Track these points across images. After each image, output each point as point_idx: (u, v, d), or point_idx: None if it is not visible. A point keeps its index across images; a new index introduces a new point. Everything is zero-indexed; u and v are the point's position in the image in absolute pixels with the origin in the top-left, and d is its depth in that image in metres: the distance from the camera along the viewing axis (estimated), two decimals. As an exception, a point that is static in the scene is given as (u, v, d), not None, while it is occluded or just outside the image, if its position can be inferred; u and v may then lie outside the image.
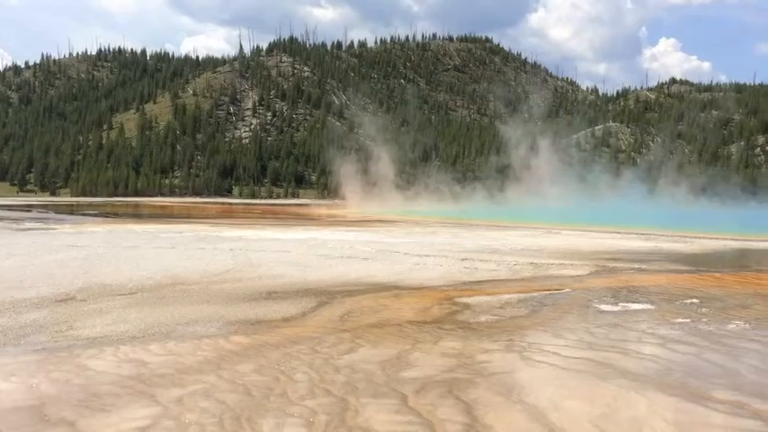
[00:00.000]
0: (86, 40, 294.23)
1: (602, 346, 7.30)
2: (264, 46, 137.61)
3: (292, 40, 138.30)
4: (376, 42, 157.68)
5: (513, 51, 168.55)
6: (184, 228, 25.42)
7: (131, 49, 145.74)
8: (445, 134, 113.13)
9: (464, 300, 10.13)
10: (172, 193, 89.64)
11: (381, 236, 22.93)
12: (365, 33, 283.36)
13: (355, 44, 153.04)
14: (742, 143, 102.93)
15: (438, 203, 62.05)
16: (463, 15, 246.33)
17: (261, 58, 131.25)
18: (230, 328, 7.93)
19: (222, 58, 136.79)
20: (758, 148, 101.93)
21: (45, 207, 51.46)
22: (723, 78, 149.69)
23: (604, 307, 9.73)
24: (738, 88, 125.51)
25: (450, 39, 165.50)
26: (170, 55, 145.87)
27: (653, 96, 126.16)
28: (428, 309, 9.40)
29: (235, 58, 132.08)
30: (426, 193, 71.48)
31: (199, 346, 7.05)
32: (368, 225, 30.74)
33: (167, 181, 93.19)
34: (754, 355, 6.98)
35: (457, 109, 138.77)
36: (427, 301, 9.93)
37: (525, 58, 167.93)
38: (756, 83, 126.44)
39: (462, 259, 15.46)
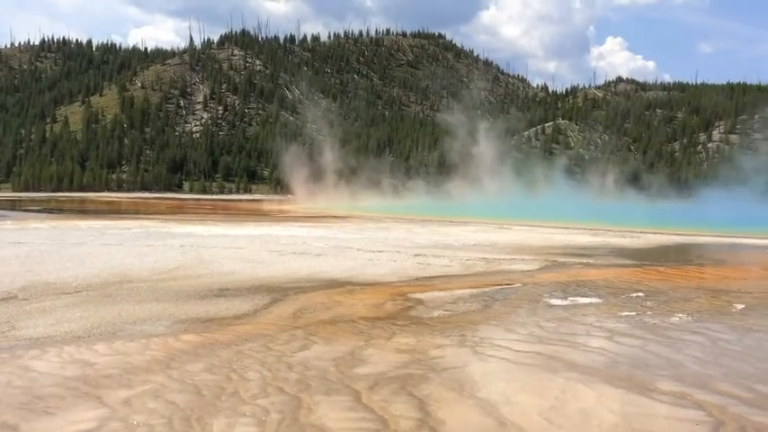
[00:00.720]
0: (29, 29, 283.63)
1: (551, 340, 7.44)
2: (216, 38, 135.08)
3: (244, 33, 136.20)
4: (329, 37, 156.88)
5: (465, 48, 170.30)
6: (132, 224, 24.80)
7: (76, 40, 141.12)
8: (398, 129, 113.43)
9: (417, 295, 10.18)
10: (119, 189, 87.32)
11: (334, 231, 22.85)
12: (318, 28, 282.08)
13: (308, 38, 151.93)
14: (685, 140, 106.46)
15: (392, 199, 62.24)
16: (416, 12, 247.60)
17: (212, 50, 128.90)
18: (180, 327, 7.78)
19: (172, 50, 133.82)
20: (700, 146, 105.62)
21: (-16, 202, 49.47)
22: (667, 77, 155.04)
23: (554, 301, 9.92)
24: (681, 87, 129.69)
25: (404, 34, 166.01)
26: (117, 46, 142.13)
27: (600, 94, 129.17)
28: (381, 305, 9.41)
29: (185, 51, 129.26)
30: (380, 188, 71.59)
31: (147, 345, 6.89)
32: (321, 221, 30.61)
33: (114, 176, 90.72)
34: (696, 347, 7.22)
35: (410, 104, 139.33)
36: (381, 297, 9.95)
37: (477, 55, 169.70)
38: (698, 82, 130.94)
39: (415, 255, 15.54)
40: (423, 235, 22.13)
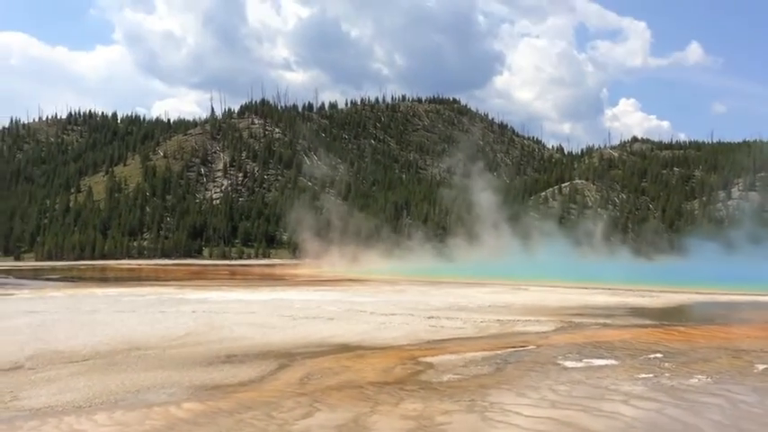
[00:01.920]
0: (56, 104, 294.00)
1: (564, 404, 7.19)
2: (236, 108, 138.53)
3: (264, 102, 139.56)
4: (346, 104, 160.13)
5: (480, 112, 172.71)
6: (148, 291, 24.87)
7: (102, 113, 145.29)
8: (416, 193, 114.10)
9: (428, 359, 9.97)
10: (140, 256, 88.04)
11: (349, 295, 22.69)
12: (336, 95, 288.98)
13: (326, 106, 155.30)
14: (704, 198, 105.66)
15: (409, 262, 61.95)
16: (431, 79, 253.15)
17: (232, 120, 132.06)
18: (183, 395, 7.65)
19: (194, 120, 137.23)
20: (719, 203, 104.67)
21: (7, 272, 50.08)
22: (682, 137, 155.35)
23: (568, 363, 9.65)
24: (698, 146, 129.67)
25: (419, 100, 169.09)
26: (141, 118, 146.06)
27: (616, 154, 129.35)
28: (391, 369, 9.22)
29: (206, 121, 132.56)
30: (398, 251, 71.44)
31: (148, 414, 6.76)
32: (337, 284, 30.47)
33: (135, 243, 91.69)
34: (716, 410, 6.92)
35: (427, 168, 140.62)
36: (390, 362, 9.75)
37: (492, 119, 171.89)
38: (714, 140, 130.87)
39: (429, 317, 15.32)
40: (437, 297, 21.88)
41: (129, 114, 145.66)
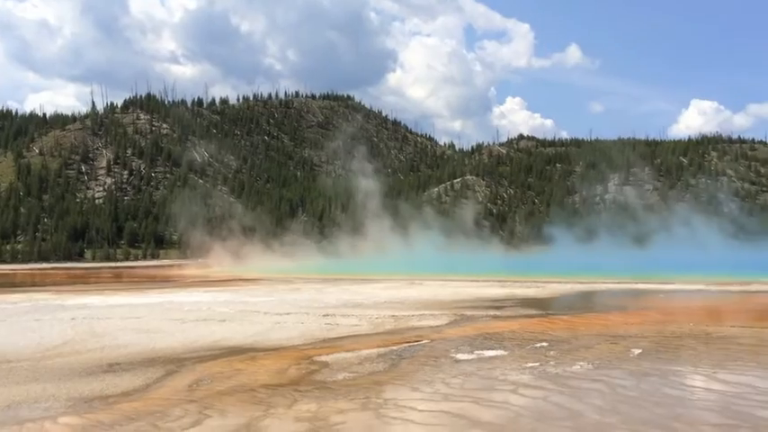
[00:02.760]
0: None
1: (456, 397, 7.31)
2: (119, 103, 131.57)
3: (150, 96, 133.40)
4: (238, 99, 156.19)
5: (374, 109, 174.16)
6: (20, 297, 23.05)
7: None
8: (311, 189, 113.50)
9: (323, 358, 9.87)
10: (14, 260, 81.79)
11: (242, 295, 22.14)
12: (227, 90, 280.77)
13: (217, 101, 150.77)
14: (584, 193, 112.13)
15: (305, 259, 61.50)
16: (325, 75, 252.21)
17: (116, 114, 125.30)
18: (60, 409, 7.11)
19: (72, 115, 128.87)
20: (597, 197, 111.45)
21: None
22: (564, 134, 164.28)
23: (461, 356, 9.85)
24: (578, 143, 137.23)
25: (313, 96, 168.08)
26: (13, 112, 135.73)
27: (504, 151, 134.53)
28: (285, 370, 9.03)
29: (86, 116, 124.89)
30: (293, 249, 70.76)
31: (18, 432, 6.23)
32: (229, 284, 29.69)
33: (9, 247, 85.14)
34: (596, 395, 7.28)
35: (321, 164, 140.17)
36: (285, 363, 9.56)
37: (386, 116, 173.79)
38: (593, 138, 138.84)
39: (324, 315, 15.21)
40: (333, 294, 21.81)
41: (0, 108, 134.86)
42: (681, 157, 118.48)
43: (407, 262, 47.93)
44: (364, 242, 72.19)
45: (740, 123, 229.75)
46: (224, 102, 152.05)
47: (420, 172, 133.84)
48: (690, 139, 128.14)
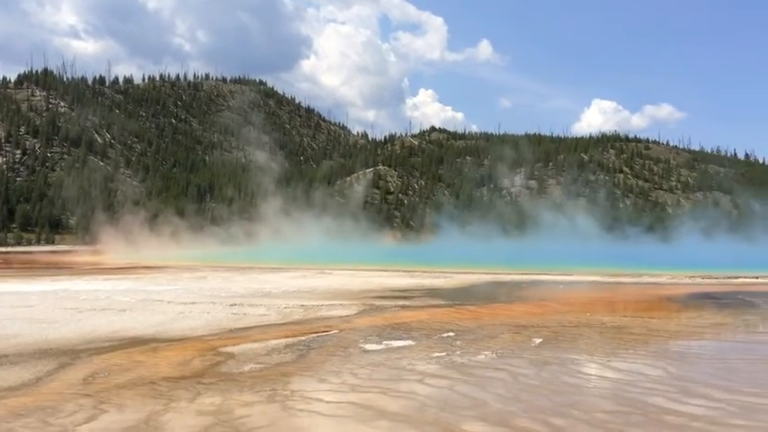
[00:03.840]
0: None
1: (364, 388, 7.32)
2: (13, 77, 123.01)
3: (47, 72, 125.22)
4: (144, 79, 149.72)
5: (287, 95, 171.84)
6: None
7: None
8: (220, 175, 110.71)
9: (229, 349, 9.63)
10: None
11: (144, 284, 21.29)
12: (132, 70, 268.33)
13: (120, 80, 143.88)
14: (492, 185, 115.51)
15: (212, 247, 60.00)
16: (237, 58, 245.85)
17: (8, 90, 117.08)
18: (-64, 407, 6.56)
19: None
20: (504, 190, 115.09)
21: None
22: (475, 128, 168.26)
23: (369, 346, 9.88)
24: (487, 137, 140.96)
25: (224, 80, 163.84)
26: None
27: (416, 142, 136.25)
28: (188, 362, 8.74)
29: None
30: (200, 236, 68.85)
31: None
32: (131, 272, 28.49)
33: None
34: (499, 384, 7.48)
35: (231, 150, 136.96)
36: (188, 354, 9.25)
37: (299, 103, 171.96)
38: (501, 132, 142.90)
39: (231, 305, 14.87)
40: (241, 283, 21.36)
41: None
42: (582, 154, 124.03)
43: (302, 250, 47.77)
44: (271, 230, 71.25)
45: (637, 123, 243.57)
46: (128, 81, 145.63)
47: (333, 161, 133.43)
48: (591, 137, 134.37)
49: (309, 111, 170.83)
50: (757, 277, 26.28)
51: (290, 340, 10.37)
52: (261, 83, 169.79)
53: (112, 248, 54.04)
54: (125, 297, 16.53)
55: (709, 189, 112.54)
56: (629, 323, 12.66)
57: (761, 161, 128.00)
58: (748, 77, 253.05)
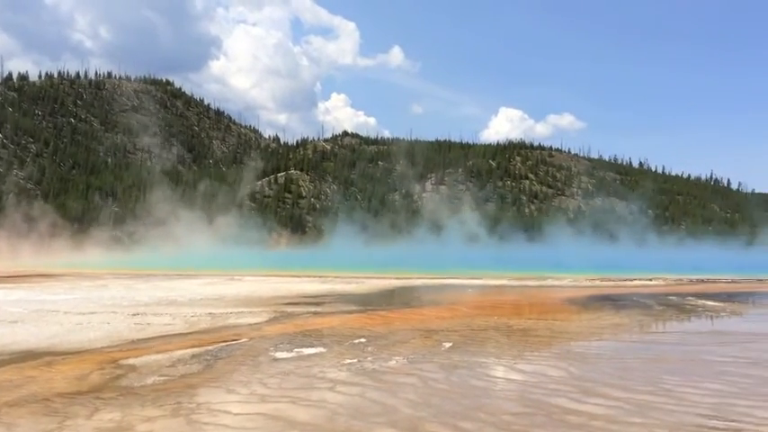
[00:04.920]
0: None
1: (274, 398, 7.17)
2: None
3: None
4: (40, 76, 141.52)
5: (195, 96, 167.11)
6: None
7: None
8: (123, 178, 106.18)
9: (131, 361, 9.19)
10: None
11: (38, 293, 20.05)
12: (27, 66, 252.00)
13: (14, 76, 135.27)
14: (403, 191, 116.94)
15: (115, 253, 57.46)
16: (142, 57, 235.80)
17: None
18: None
19: None
20: (416, 195, 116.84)
21: None
22: (387, 133, 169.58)
23: (279, 354, 9.71)
24: (399, 143, 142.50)
25: (128, 79, 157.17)
26: None
27: (328, 147, 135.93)
28: (86, 376, 8.27)
29: None
30: (102, 241, 65.77)
31: None
32: (23, 281, 26.77)
33: None
34: (410, 389, 7.53)
35: (136, 152, 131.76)
36: (86, 367, 8.76)
37: (208, 104, 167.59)
38: (413, 138, 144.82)
39: (134, 314, 14.23)
40: (145, 291, 20.52)
41: None
42: (490, 161, 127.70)
43: (209, 256, 46.77)
44: (176, 236, 69.17)
45: (541, 132, 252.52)
46: (23, 78, 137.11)
47: (243, 164, 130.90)
48: (498, 144, 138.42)
49: (219, 113, 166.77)
50: (651, 279, 27.92)
51: (197, 350, 10.03)
52: (168, 83, 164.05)
53: (4, 255, 50.67)
54: (16, 308, 15.49)
55: (607, 195, 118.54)
56: (533, 325, 13.09)
57: (653, 169, 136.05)
58: (639, 93, 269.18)
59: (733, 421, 6.20)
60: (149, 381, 8.02)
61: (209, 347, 10.30)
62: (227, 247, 60.74)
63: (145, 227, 76.12)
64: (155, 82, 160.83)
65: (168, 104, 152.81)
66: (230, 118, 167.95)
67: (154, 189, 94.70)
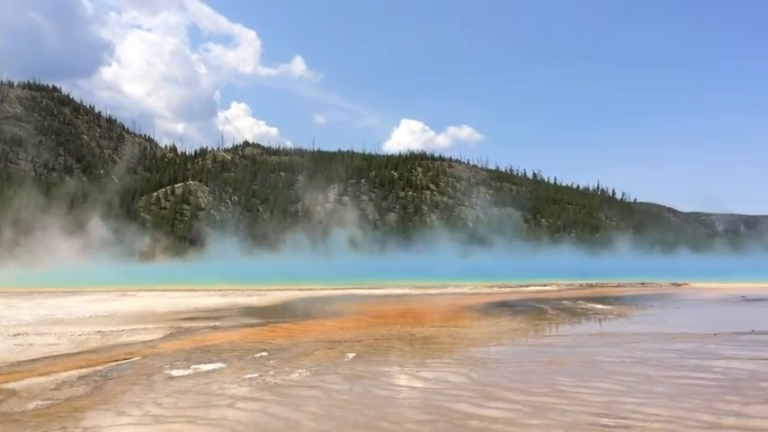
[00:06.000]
0: None
1: (169, 418, 6.82)
2: None
3: None
4: None
5: (85, 103, 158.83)
6: None
7: None
8: (4, 190, 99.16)
9: (10, 385, 8.50)
10: None
11: None
12: None
13: None
14: (306, 201, 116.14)
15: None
16: (26, 61, 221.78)
17: None
18: None
19: None
20: (319, 206, 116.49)
21: None
22: (289, 144, 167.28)
23: (176, 372, 9.28)
24: (302, 153, 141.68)
25: (11, 84, 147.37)
26: None
27: (229, 157, 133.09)
28: (-43, 404, 7.55)
29: None
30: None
31: None
32: None
33: None
34: (313, 402, 7.38)
35: (18, 162, 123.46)
36: (-43, 395, 8.00)
37: (99, 112, 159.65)
38: (315, 149, 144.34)
39: (14, 335, 13.20)
40: (26, 310, 19.10)
41: None
42: (392, 171, 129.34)
43: (103, 271, 44.52)
44: (64, 251, 65.39)
45: (441, 143, 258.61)
46: None
47: (138, 175, 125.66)
48: (400, 155, 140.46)
49: (111, 121, 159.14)
50: (545, 285, 29.12)
51: (85, 371, 9.42)
52: (54, 89, 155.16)
53: None
54: None
55: (504, 205, 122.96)
56: (436, 333, 13.26)
57: (546, 180, 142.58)
58: (534, 107, 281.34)
59: (622, 418, 6.49)
60: (31, 405, 7.44)
61: (99, 368, 9.70)
62: (118, 262, 57.97)
63: (26, 241, 71.27)
64: (40, 88, 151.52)
65: (55, 112, 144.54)
66: (123, 126, 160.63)
67: (36, 201, 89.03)
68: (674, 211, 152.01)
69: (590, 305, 19.61)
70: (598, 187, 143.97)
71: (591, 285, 30.06)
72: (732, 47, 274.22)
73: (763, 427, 6.17)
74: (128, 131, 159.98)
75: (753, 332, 12.77)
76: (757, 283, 30.15)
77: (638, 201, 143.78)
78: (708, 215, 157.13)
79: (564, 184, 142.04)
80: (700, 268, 46.05)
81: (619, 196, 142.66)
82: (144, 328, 14.14)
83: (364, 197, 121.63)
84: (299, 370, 9.23)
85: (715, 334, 12.53)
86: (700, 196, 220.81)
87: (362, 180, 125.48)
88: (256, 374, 8.97)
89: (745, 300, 21.81)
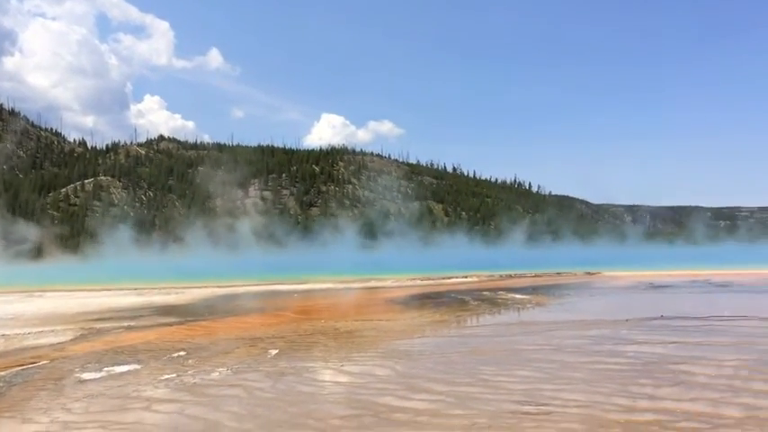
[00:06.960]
0: None
1: (79, 424, 6.45)
2: None
3: None
4: None
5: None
6: None
7: None
8: None
9: None
10: None
11: None
12: None
13: None
14: (225, 197, 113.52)
15: None
16: None
17: None
18: None
19: None
20: (238, 201, 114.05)
21: None
22: (207, 137, 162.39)
23: (86, 375, 8.81)
24: (220, 147, 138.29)
25: None
26: None
27: (143, 152, 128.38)
28: None
29: None
30: None
31: None
32: None
33: None
34: (234, 402, 7.16)
35: None
36: None
37: (1, 104, 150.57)
38: (234, 143, 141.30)
39: None
40: None
41: None
42: (314, 166, 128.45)
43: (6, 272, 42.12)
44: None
45: (362, 137, 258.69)
46: None
47: (44, 170, 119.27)
48: (321, 150, 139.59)
49: (14, 114, 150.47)
50: (466, 276, 29.67)
51: (-15, 378, 8.79)
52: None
53: None
54: None
55: (425, 198, 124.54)
56: (359, 327, 13.21)
57: (466, 174, 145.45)
58: (452, 104, 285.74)
59: (543, 405, 6.63)
60: None
61: (2, 373, 9.09)
62: (24, 262, 54.91)
63: None
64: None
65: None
66: (27, 119, 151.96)
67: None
68: (587, 203, 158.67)
69: (510, 295, 20.10)
70: (515, 181, 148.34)
71: (510, 276, 30.85)
72: (628, 52, 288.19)
73: (674, 408, 6.44)
74: (32, 125, 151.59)
75: (662, 317, 13.41)
76: (663, 271, 31.82)
77: (552, 193, 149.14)
78: (616, 207, 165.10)
79: (483, 178, 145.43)
80: (611, 257, 48.24)
81: (535, 189, 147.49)
82: (52, 330, 13.37)
83: (285, 192, 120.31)
84: (220, 369, 8.95)
85: (627, 320, 13.07)
86: (607, 189, 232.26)
87: (284, 175, 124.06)
88: (174, 375, 8.63)
89: (653, 287, 22.95)
